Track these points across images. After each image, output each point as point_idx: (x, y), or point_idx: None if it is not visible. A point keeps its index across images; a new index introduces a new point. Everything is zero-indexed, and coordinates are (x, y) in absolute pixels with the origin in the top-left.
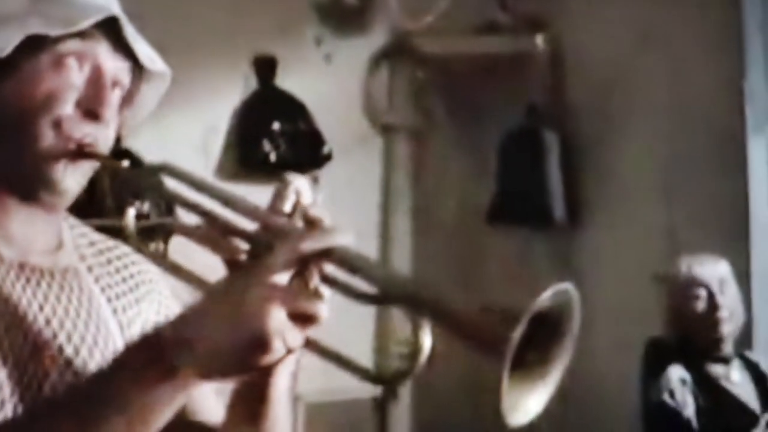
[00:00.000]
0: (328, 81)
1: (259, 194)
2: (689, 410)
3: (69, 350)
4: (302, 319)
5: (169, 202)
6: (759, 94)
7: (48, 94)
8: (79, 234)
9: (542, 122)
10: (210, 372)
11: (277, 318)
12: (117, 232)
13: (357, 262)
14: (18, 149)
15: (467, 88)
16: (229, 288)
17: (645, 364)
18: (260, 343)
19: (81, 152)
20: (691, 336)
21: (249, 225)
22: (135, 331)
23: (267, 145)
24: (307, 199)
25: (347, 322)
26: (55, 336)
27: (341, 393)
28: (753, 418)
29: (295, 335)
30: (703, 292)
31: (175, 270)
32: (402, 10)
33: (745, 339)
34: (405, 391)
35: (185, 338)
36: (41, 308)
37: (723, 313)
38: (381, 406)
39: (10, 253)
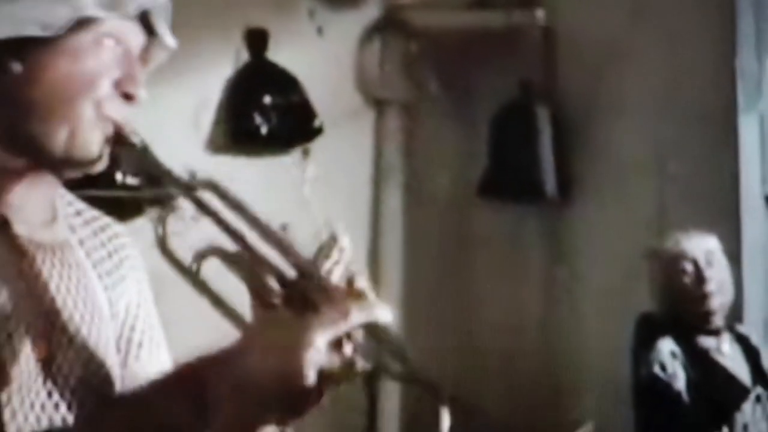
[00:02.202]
0: (320, 54)
1: (249, 167)
2: (680, 383)
3: (71, 328)
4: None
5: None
6: (750, 72)
7: (90, 74)
8: (67, 203)
9: (535, 98)
10: (246, 417)
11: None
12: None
13: (387, 337)
14: (57, 126)
15: (460, 62)
16: (277, 338)
17: (636, 338)
18: (301, 403)
19: (119, 138)
20: (680, 310)
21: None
22: (120, 309)
23: (258, 119)
24: (348, 259)
25: None
26: (60, 312)
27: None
28: (743, 391)
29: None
30: (690, 266)
31: (204, 289)
32: None
33: (735, 314)
34: (395, 366)
35: (232, 382)
36: (48, 284)
37: (710, 287)
38: (372, 380)
39: (23, 230)
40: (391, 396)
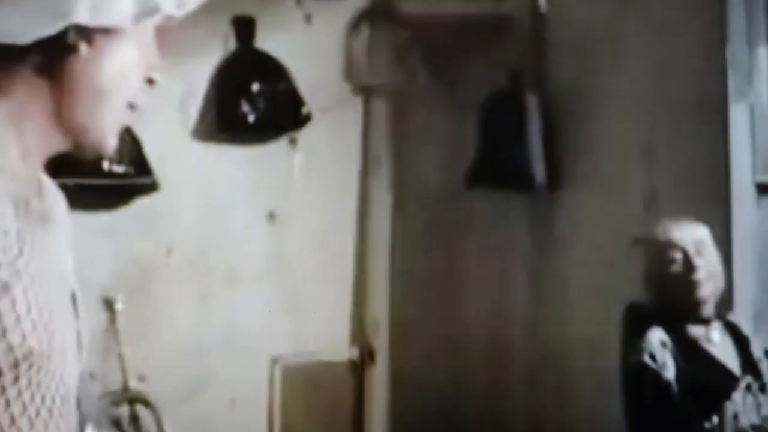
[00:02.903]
0: (308, 42)
1: (237, 155)
2: (669, 372)
3: (57, 303)
4: None
5: None
6: (741, 59)
7: (127, 72)
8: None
9: (524, 86)
10: None
11: None
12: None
13: None
14: (107, 114)
15: (448, 50)
16: None
17: (624, 327)
18: None
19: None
20: (669, 299)
21: None
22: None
23: (245, 106)
24: None
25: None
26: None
27: (319, 356)
28: (733, 380)
29: None
30: (679, 255)
31: None
32: None
33: (726, 303)
34: (382, 355)
35: None
36: (53, 254)
37: (699, 276)
38: (358, 370)
39: (38, 204)
40: (378, 380)
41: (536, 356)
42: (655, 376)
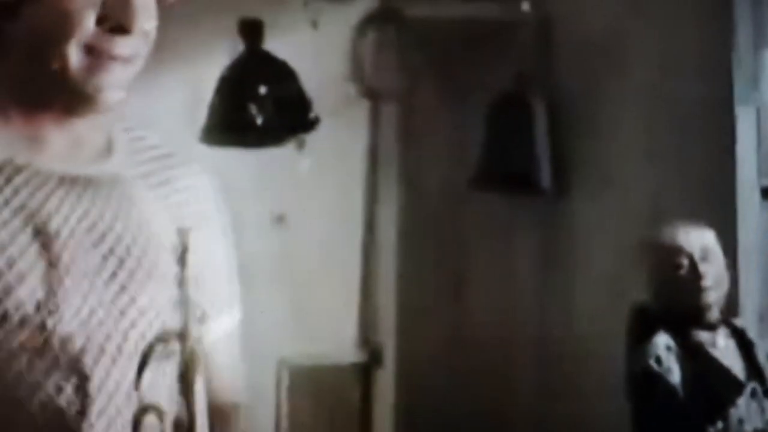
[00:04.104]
0: (315, 45)
1: (245, 158)
2: (675, 377)
3: (112, 262)
4: None
5: None
6: (747, 63)
7: (68, 15)
8: (136, 137)
9: (530, 89)
10: None
11: None
12: None
13: None
14: (51, 73)
15: (455, 53)
16: None
17: (630, 331)
18: None
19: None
20: (675, 304)
21: None
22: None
23: (253, 109)
24: None
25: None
26: (94, 247)
27: (325, 358)
28: (738, 385)
29: None
30: (685, 261)
31: None
32: None
33: (731, 308)
34: (389, 357)
35: None
36: (81, 220)
37: (706, 282)
38: (365, 372)
39: (50, 166)
40: (386, 383)
41: (543, 359)
42: (661, 380)
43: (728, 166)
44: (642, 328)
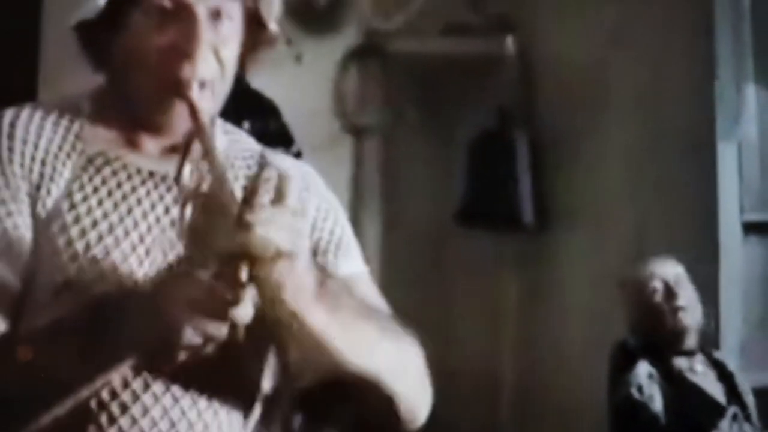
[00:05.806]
0: (299, 81)
1: None
2: (657, 404)
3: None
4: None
5: None
6: (729, 98)
7: (151, 46)
8: (233, 140)
9: (512, 124)
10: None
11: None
12: None
13: None
14: (132, 97)
15: (438, 88)
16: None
17: (612, 365)
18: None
19: (178, 92)
20: (654, 330)
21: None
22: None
23: None
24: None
25: None
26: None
27: None
28: (719, 409)
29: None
30: (659, 285)
31: None
32: (373, 10)
33: (712, 341)
34: None
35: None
36: (166, 212)
37: (681, 302)
38: None
39: (139, 163)
40: None
41: (526, 393)
42: (643, 408)
43: (710, 200)
44: (623, 360)
